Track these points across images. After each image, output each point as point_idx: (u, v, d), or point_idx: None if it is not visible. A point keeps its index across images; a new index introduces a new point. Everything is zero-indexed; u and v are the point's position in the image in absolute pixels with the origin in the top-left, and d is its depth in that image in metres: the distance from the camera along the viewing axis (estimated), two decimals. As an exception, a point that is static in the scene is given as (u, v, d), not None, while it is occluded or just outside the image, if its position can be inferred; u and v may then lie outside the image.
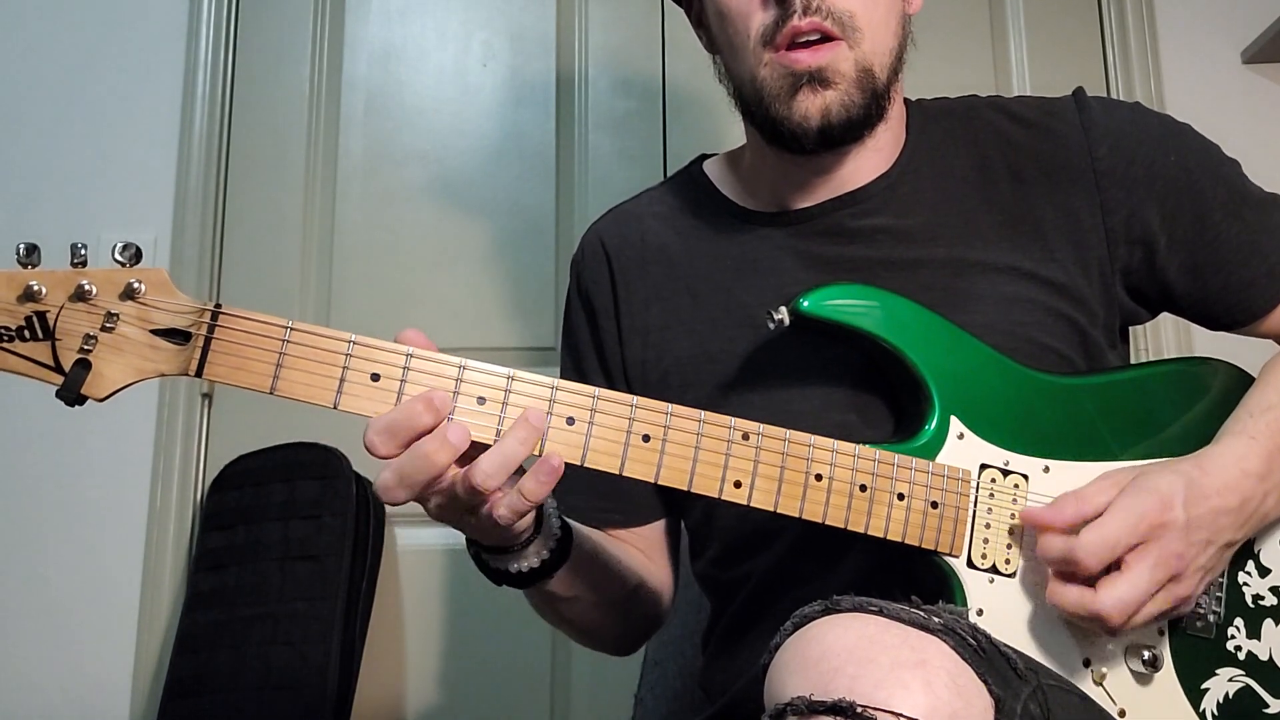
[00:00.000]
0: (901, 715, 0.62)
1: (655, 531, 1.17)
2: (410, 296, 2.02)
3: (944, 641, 0.68)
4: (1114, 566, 0.87)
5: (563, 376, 1.00)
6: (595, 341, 1.16)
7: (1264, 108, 2.09)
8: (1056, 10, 2.18)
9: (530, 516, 0.90)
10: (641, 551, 1.16)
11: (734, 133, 1.16)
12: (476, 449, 0.82)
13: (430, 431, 0.80)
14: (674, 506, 1.18)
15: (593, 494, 1.15)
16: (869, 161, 1.08)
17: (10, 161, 2.04)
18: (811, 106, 0.99)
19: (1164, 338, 2.00)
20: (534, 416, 0.83)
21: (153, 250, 2.00)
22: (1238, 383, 1.03)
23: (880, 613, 0.70)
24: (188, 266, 1.99)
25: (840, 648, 0.67)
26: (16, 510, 1.94)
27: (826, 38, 0.99)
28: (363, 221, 2.06)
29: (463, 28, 2.13)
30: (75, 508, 1.93)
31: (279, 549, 1.80)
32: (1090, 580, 0.87)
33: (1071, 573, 0.87)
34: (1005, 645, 0.74)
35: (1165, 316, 1.13)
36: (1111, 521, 0.86)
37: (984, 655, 0.70)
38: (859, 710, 0.62)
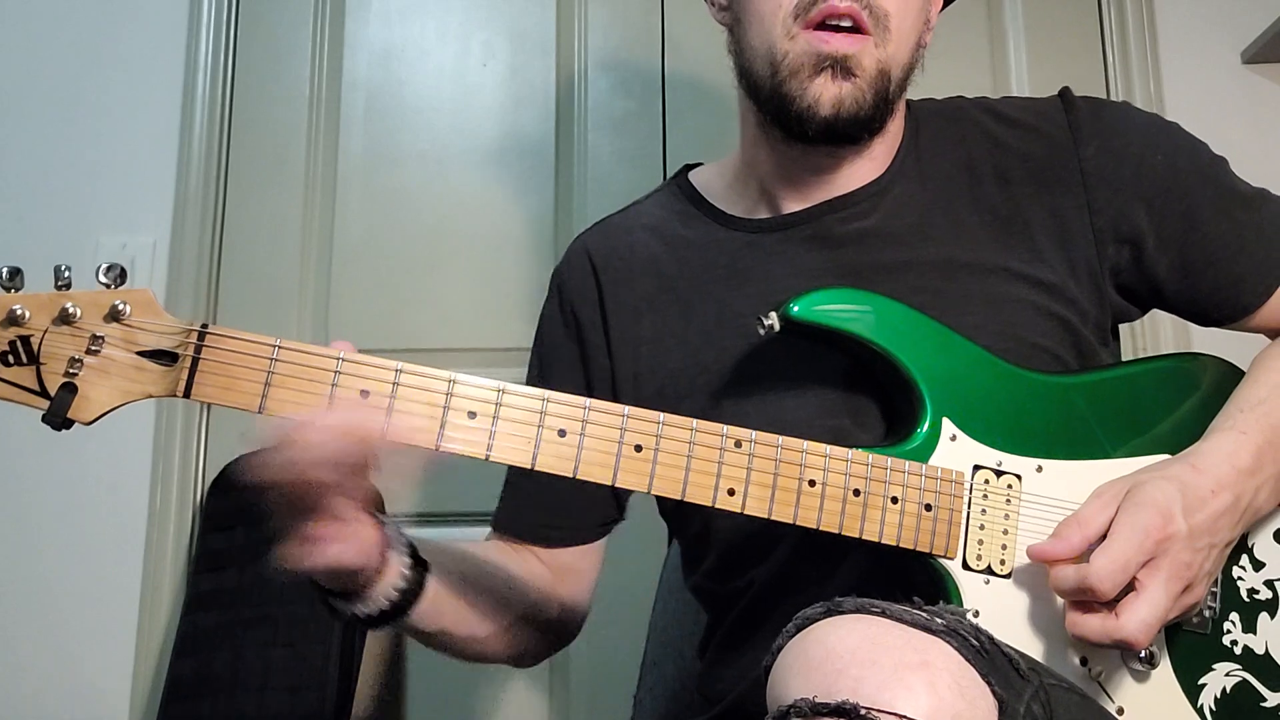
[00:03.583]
0: (905, 717, 0.62)
1: (580, 554, 1.17)
2: (410, 297, 2.02)
3: (947, 642, 0.68)
4: (1127, 585, 0.86)
5: (526, 384, 0.99)
6: (579, 355, 1.15)
7: (1264, 108, 2.09)
8: (1056, 10, 2.17)
9: (377, 553, 0.88)
10: (552, 569, 1.15)
11: (734, 134, 1.16)
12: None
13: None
14: (614, 526, 1.18)
15: (540, 509, 1.15)
16: (862, 169, 1.08)
17: (8, 163, 2.03)
18: (826, 93, 0.99)
19: (1163, 334, 2.01)
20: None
21: (151, 253, 1.99)
22: (1229, 378, 1.03)
23: (883, 614, 0.70)
24: (187, 268, 1.99)
25: (843, 649, 0.67)
26: (16, 511, 1.93)
27: (857, 29, 0.98)
28: (363, 222, 2.06)
29: (463, 28, 2.13)
30: (75, 509, 1.93)
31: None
32: (1107, 602, 0.86)
33: (1087, 600, 0.87)
34: (1007, 646, 0.74)
35: (1165, 313, 1.13)
36: (1117, 543, 0.86)
37: (987, 656, 0.70)
38: (862, 712, 0.62)
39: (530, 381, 1.19)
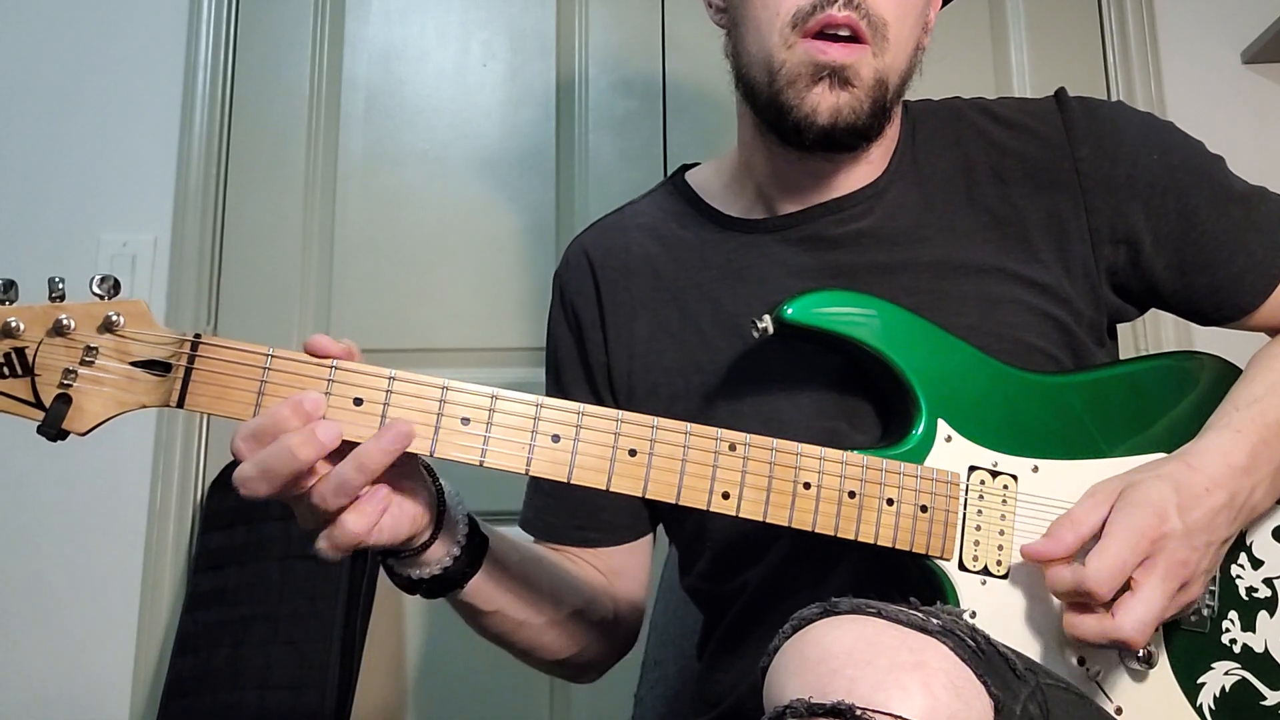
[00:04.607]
0: (900, 717, 0.62)
1: (627, 553, 1.17)
2: (410, 296, 2.02)
3: (943, 643, 0.68)
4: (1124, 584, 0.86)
5: (546, 393, 0.98)
6: (580, 354, 1.16)
7: (1264, 108, 2.09)
8: (1056, 10, 2.18)
9: (424, 516, 0.89)
10: (604, 572, 1.15)
11: (735, 134, 1.15)
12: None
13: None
14: (657, 523, 1.18)
15: (569, 513, 1.14)
16: (859, 173, 1.08)
17: (9, 162, 2.04)
18: (824, 103, 0.98)
19: (1164, 332, 2.01)
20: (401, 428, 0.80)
21: (153, 250, 2.00)
22: (1226, 376, 1.03)
23: (879, 614, 0.70)
24: (188, 267, 1.99)
25: (839, 649, 0.67)
26: (16, 510, 1.93)
27: (855, 38, 0.97)
28: (363, 221, 2.06)
29: (463, 28, 2.13)
30: (75, 508, 1.93)
31: (279, 548, 1.80)
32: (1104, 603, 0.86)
33: (1084, 601, 0.86)
34: (1004, 646, 0.74)
35: (1166, 312, 1.13)
36: (1113, 545, 0.86)
37: (983, 656, 0.70)
38: (857, 712, 0.62)
39: (548, 386, 1.20)
